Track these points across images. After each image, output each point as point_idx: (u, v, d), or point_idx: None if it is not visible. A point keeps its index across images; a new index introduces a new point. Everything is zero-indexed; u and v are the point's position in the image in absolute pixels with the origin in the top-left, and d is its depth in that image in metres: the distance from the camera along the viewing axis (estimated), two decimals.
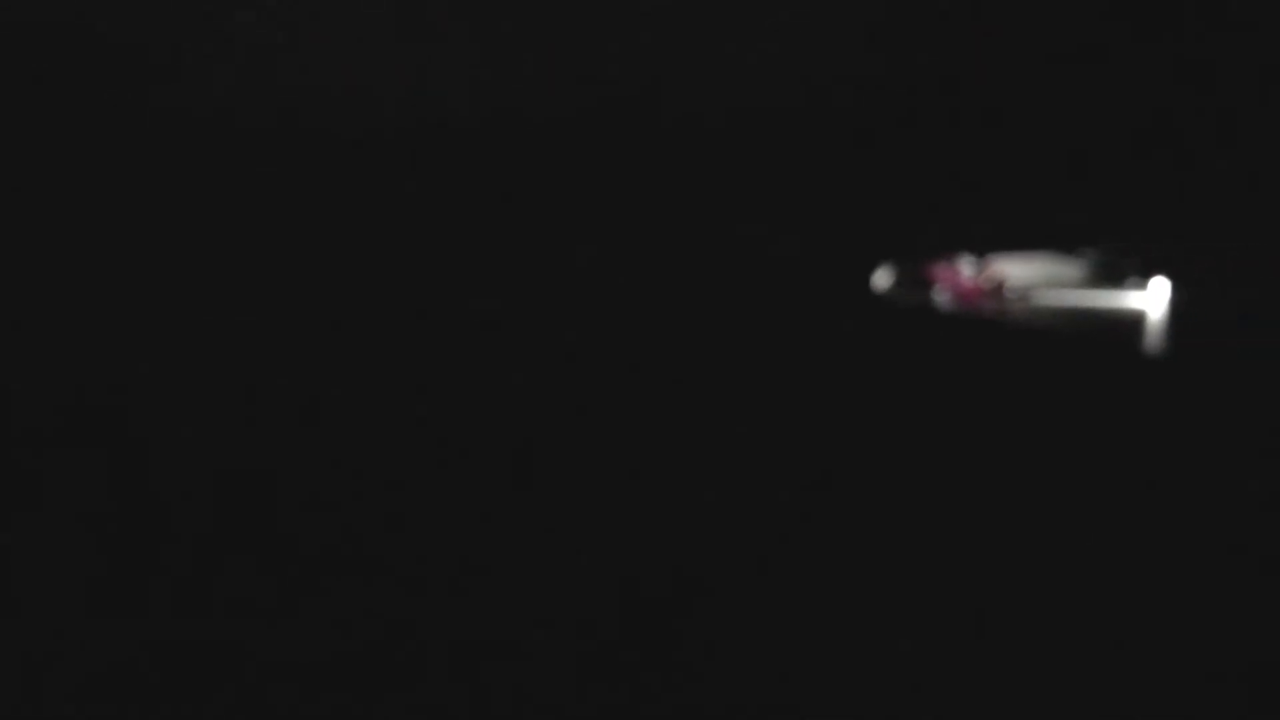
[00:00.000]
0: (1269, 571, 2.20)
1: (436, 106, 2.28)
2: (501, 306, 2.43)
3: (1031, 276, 2.64)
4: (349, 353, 2.35)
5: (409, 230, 2.39)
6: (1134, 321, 2.59)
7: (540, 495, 2.22)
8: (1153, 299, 2.59)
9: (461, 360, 2.40)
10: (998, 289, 2.58)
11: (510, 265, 2.44)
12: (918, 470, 2.33)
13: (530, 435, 2.32)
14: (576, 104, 2.36)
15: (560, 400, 2.38)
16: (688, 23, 2.36)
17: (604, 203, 2.44)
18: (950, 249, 2.65)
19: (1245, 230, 2.48)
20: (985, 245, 2.61)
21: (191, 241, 2.29)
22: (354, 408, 2.29)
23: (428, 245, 2.43)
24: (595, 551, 2.12)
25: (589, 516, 2.19)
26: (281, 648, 1.89)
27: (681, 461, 2.30)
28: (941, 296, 2.60)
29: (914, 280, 2.63)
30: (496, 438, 2.31)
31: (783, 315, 2.47)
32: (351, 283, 2.37)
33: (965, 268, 2.60)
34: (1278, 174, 2.42)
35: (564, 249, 2.46)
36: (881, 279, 2.59)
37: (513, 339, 2.43)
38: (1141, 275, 2.63)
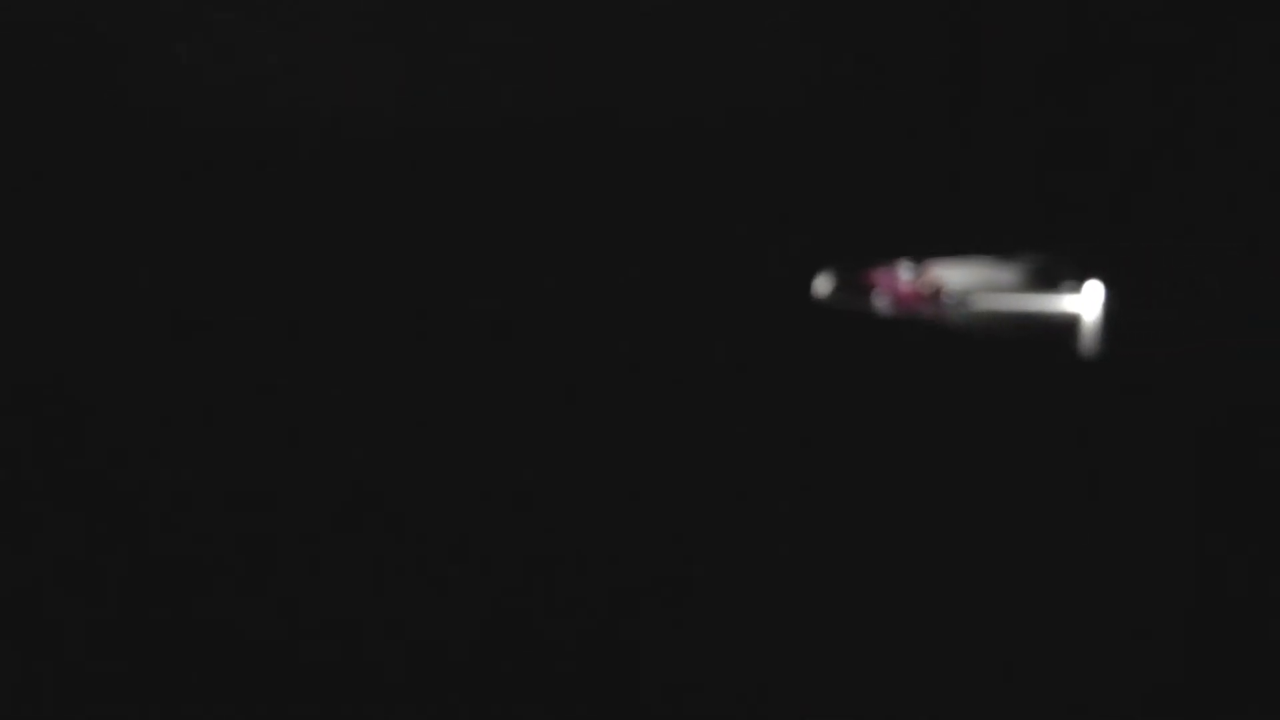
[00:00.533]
0: (1201, 569, 2.23)
1: (396, 112, 2.32)
2: (437, 314, 2.45)
3: (968, 281, 2.68)
4: (322, 356, 2.36)
5: (374, 234, 2.41)
6: (1069, 324, 2.63)
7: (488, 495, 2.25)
8: (1087, 302, 2.63)
9: (413, 364, 2.42)
10: (935, 294, 2.63)
11: (449, 272, 2.46)
12: (858, 473, 2.36)
13: (484, 437, 2.35)
14: (524, 113, 2.40)
15: (510, 402, 2.40)
16: (624, 31, 2.40)
17: (541, 210, 2.47)
18: (889, 255, 2.69)
19: (1177, 234, 2.52)
20: (923, 251, 2.65)
21: (179, 241, 2.30)
22: (337, 411, 2.30)
23: (385, 249, 2.44)
24: (526, 554, 2.17)
25: (527, 518, 2.23)
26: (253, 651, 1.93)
27: (620, 468, 2.33)
28: (881, 301, 2.64)
29: (854, 286, 2.67)
30: (441, 439, 2.33)
31: (724, 321, 2.51)
32: (330, 283, 2.38)
33: (904, 273, 2.64)
34: (1209, 178, 2.46)
35: (503, 255, 2.48)
36: (822, 285, 2.64)
37: (450, 346, 2.44)
38: (1076, 279, 2.67)
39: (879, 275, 2.64)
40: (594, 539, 2.24)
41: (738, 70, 2.46)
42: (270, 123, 2.26)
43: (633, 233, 2.50)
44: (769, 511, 2.29)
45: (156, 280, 2.24)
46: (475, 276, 2.37)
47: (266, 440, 2.21)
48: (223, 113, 2.24)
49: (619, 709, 2.07)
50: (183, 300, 2.24)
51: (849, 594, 2.19)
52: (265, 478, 2.17)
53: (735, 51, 2.45)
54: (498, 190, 2.40)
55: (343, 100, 2.26)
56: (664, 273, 2.50)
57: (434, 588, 2.10)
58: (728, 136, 2.49)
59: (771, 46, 2.47)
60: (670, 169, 2.49)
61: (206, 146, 2.24)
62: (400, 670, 2.02)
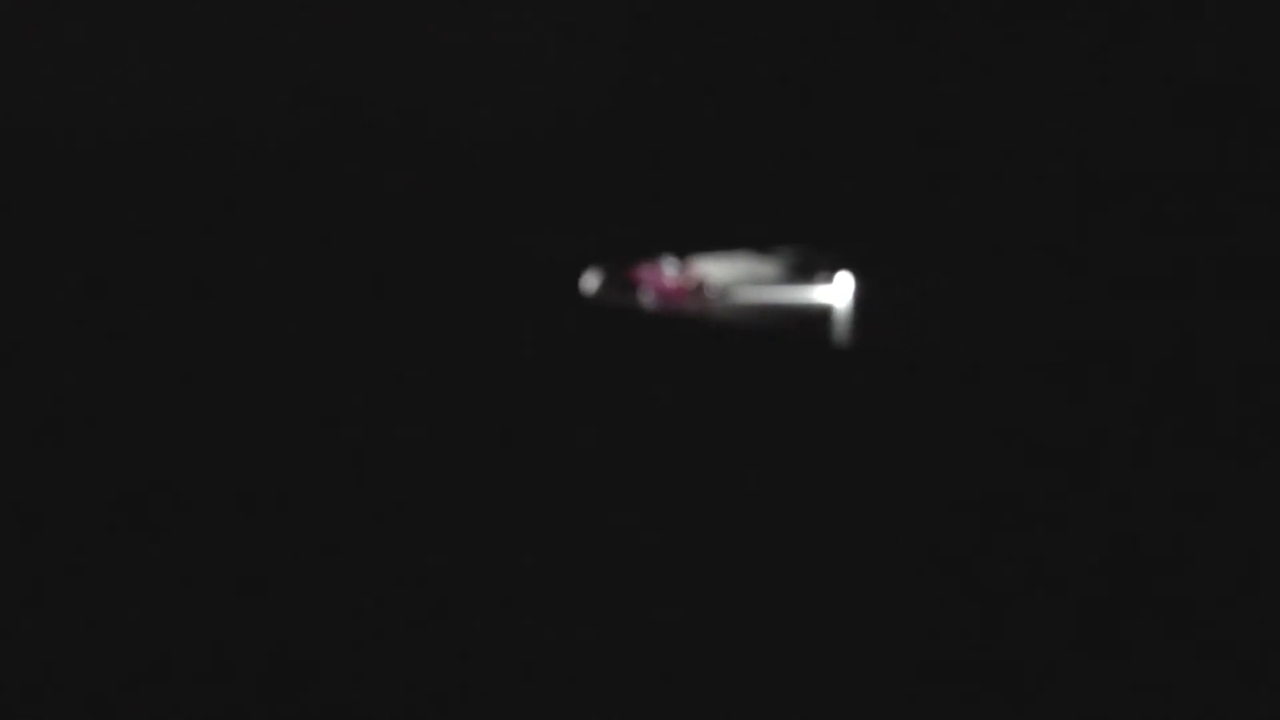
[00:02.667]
0: (948, 546, 2.37)
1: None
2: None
3: (729, 275, 2.77)
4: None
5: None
6: (823, 313, 2.76)
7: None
8: (839, 292, 2.76)
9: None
10: (699, 288, 2.72)
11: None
12: (624, 461, 2.43)
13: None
14: (290, 114, 2.38)
15: (268, 405, 2.39)
16: (406, 35, 2.40)
17: (315, 212, 2.47)
18: (653, 252, 2.76)
19: (920, 229, 2.66)
20: (686, 247, 2.73)
21: None
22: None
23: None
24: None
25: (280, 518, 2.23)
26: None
27: (391, 467, 2.35)
28: (646, 297, 2.71)
29: (620, 282, 2.74)
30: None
31: (494, 319, 2.54)
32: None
33: (668, 269, 2.72)
34: (947, 179, 2.61)
35: (286, 257, 2.47)
36: (589, 282, 2.69)
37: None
38: (829, 271, 2.79)
39: (644, 271, 2.71)
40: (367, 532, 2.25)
41: (504, 76, 2.48)
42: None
43: (401, 234, 2.51)
44: (539, 502, 2.34)
45: None
46: (263, 283, 2.37)
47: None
48: None
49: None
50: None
51: (617, 577, 2.25)
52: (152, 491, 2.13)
53: (502, 59, 2.48)
54: (270, 194, 2.39)
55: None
56: (433, 271, 2.52)
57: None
58: (494, 139, 2.51)
59: (537, 54, 2.50)
60: (438, 171, 2.51)
61: None
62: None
